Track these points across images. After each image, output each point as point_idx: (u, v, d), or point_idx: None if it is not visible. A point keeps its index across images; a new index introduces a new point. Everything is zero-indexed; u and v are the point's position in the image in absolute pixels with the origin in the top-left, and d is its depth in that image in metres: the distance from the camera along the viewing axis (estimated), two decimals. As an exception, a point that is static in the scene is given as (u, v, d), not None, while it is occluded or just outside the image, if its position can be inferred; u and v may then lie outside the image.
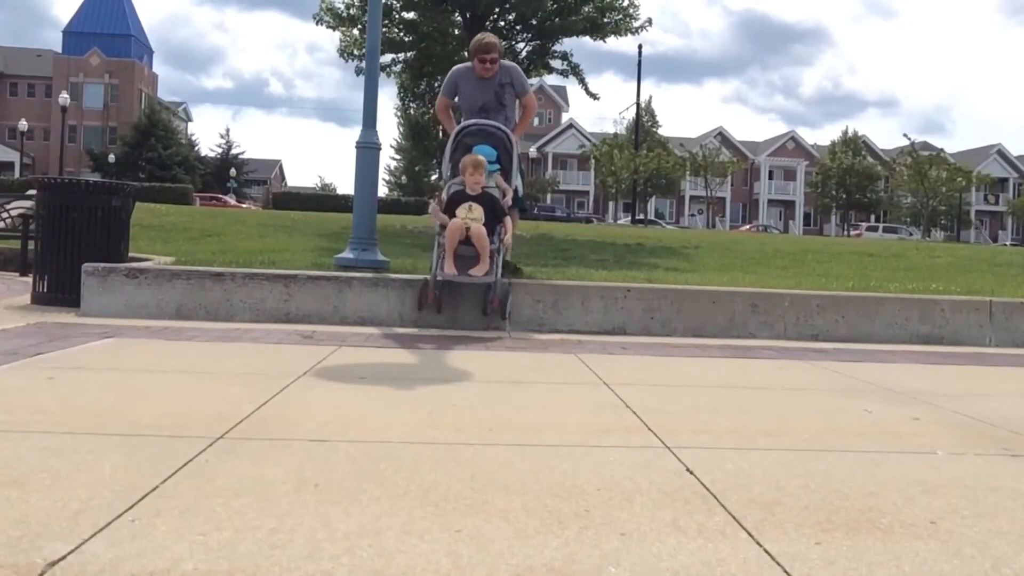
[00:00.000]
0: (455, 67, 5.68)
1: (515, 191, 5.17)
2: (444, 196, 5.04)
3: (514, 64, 5.66)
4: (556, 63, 16.17)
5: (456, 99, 5.58)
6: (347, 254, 5.58)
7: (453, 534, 1.48)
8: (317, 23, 15.18)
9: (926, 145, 54.23)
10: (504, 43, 5.71)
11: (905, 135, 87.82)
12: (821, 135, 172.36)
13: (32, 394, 2.60)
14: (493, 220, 4.81)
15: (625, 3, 15.30)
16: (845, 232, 51.30)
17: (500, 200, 4.91)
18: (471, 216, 4.72)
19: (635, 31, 15.41)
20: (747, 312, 5.21)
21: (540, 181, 52.30)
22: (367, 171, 5.72)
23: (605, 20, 15.18)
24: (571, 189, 60.40)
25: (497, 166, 4.99)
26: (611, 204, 57.02)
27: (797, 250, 12.83)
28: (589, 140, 58.21)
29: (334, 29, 15.27)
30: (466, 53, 5.77)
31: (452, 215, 4.75)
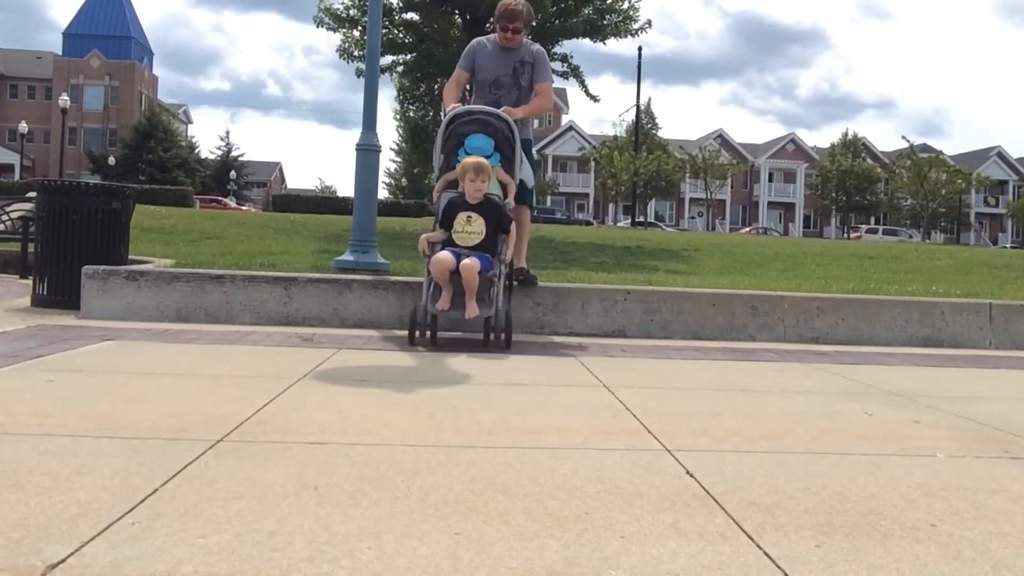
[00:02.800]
0: (475, 39, 5.24)
1: (523, 184, 4.71)
2: (438, 200, 4.47)
3: (541, 48, 5.19)
4: (556, 65, 16.17)
5: (473, 73, 5.08)
6: (347, 256, 5.58)
7: (453, 537, 1.48)
8: (318, 25, 15.19)
9: (925, 147, 54.30)
10: None
11: (904, 137, 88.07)
12: (818, 137, 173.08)
13: (32, 396, 2.60)
14: (497, 231, 4.30)
15: (624, 5, 15.32)
16: (845, 235, 51.32)
17: (505, 208, 4.36)
18: (470, 229, 4.22)
19: (634, 33, 15.42)
20: (747, 314, 5.21)
21: (540, 183, 52.28)
22: (367, 173, 5.72)
23: (605, 22, 15.18)
24: (571, 191, 60.44)
25: (498, 156, 4.44)
26: (611, 206, 57.06)
27: (797, 252, 12.83)
28: (589, 142, 58.30)
29: (335, 31, 15.28)
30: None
31: (449, 227, 4.27)
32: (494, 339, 4.21)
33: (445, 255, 4.12)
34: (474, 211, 4.24)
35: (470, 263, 4.05)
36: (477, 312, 4.10)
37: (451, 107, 4.70)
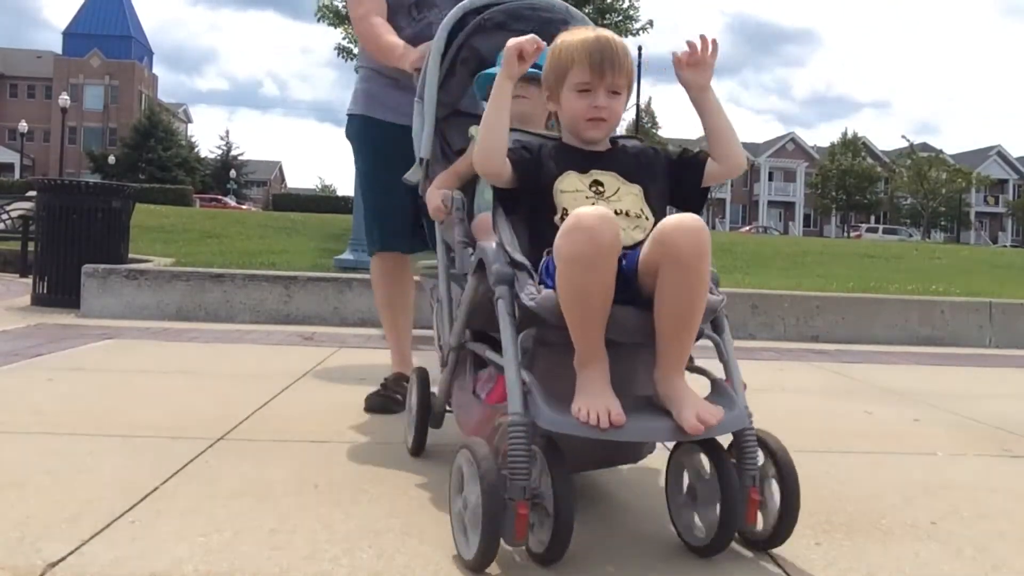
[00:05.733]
0: None
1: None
2: (429, 182, 1.98)
3: None
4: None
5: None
6: (347, 255, 5.59)
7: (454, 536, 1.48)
8: (318, 20, 15.17)
9: (925, 146, 54.30)
10: None
11: (904, 136, 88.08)
12: (816, 136, 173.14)
13: (32, 395, 2.60)
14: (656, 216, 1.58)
15: (625, 4, 15.30)
16: (845, 234, 51.31)
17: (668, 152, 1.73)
18: (622, 206, 1.54)
19: (635, 33, 15.40)
20: (747, 313, 5.21)
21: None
22: (367, 172, 5.71)
23: (605, 21, 15.17)
24: (571, 191, 60.35)
25: None
26: (611, 205, 57.05)
27: (797, 251, 12.82)
28: (589, 141, 58.25)
29: (335, 27, 15.26)
30: None
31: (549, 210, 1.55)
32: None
33: (603, 213, 1.36)
34: (600, 168, 1.60)
35: (692, 223, 1.39)
36: (719, 415, 1.40)
37: (397, 45, 2.39)
